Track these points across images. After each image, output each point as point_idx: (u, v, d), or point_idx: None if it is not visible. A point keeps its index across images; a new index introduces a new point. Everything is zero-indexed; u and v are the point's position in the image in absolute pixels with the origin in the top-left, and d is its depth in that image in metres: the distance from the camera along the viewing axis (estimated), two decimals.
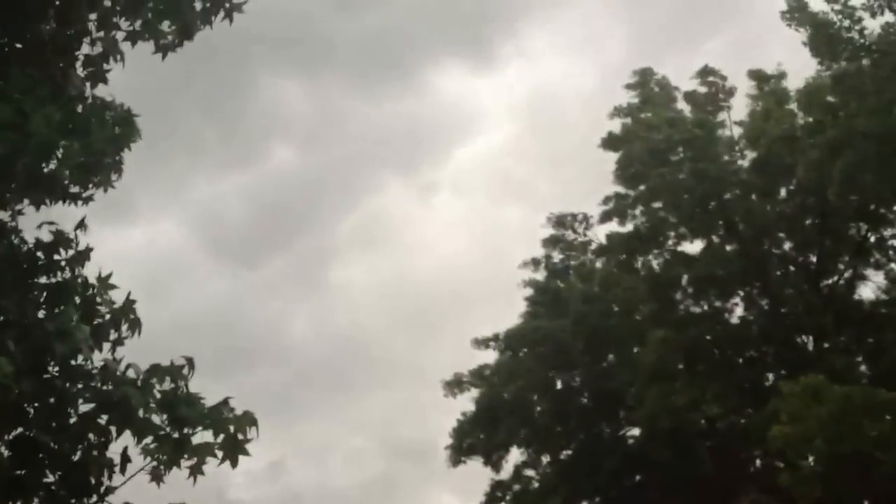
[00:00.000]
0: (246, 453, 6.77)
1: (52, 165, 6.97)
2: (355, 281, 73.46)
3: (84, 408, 7.00)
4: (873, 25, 26.17)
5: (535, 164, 73.98)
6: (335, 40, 78.13)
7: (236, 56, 69.76)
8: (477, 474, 38.36)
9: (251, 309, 71.93)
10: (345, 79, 79.89)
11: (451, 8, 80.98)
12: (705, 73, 36.52)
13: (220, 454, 6.76)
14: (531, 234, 58.81)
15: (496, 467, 38.25)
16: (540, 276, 39.13)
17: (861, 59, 26.03)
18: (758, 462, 33.48)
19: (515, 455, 38.43)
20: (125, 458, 6.94)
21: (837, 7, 25.81)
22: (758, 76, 35.41)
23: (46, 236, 7.96)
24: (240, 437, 6.75)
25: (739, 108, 36.04)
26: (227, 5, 7.93)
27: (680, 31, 73.80)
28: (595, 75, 74.03)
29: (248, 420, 6.77)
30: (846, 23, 25.91)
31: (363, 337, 70.57)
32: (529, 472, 38.59)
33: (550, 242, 38.88)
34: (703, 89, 36.49)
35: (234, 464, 6.75)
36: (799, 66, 34.83)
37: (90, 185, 9.06)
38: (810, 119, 31.04)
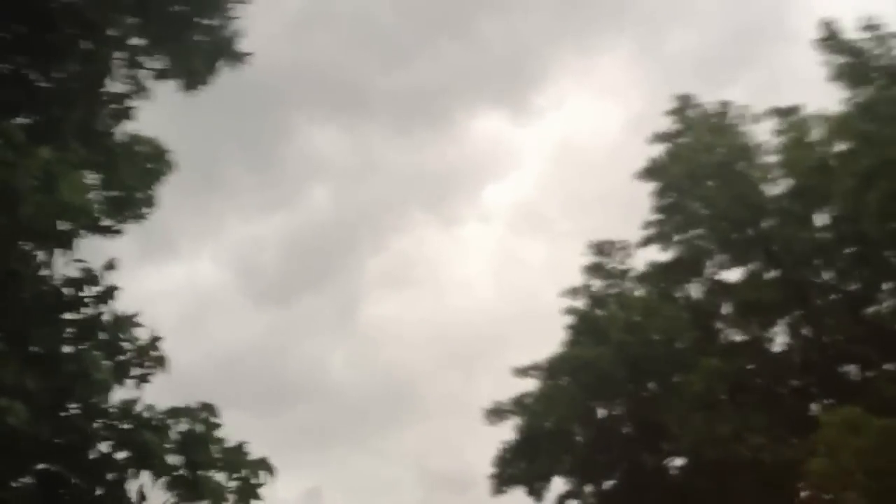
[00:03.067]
0: (258, 497, 6.77)
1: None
2: (390, 318, 74.87)
3: (103, 446, 7.05)
4: None
5: (565, 204, 75.58)
6: (375, 90, 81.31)
7: (277, 103, 72.40)
8: None
9: (288, 346, 73.34)
10: (382, 126, 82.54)
11: (487, 61, 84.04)
12: (724, 106, 36.40)
13: (232, 497, 6.77)
14: (561, 270, 61.04)
15: (538, 497, 37.89)
16: (580, 303, 38.89)
17: (895, 87, 25.82)
18: (802, 494, 32.97)
19: (558, 484, 38.13)
20: (141, 497, 6.97)
21: (870, 35, 25.63)
22: (780, 112, 35.20)
23: (75, 273, 8.05)
24: (253, 481, 6.75)
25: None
26: (232, 54, 8.03)
27: (702, 78, 74.86)
28: (622, 120, 75.94)
29: (263, 465, 6.77)
30: (879, 50, 25.72)
31: (398, 372, 71.65)
32: (572, 502, 38.24)
33: (591, 270, 38.64)
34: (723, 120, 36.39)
35: None
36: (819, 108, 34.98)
37: (121, 219, 9.18)
38: (843, 147, 30.75)
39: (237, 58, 8.08)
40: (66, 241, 7.44)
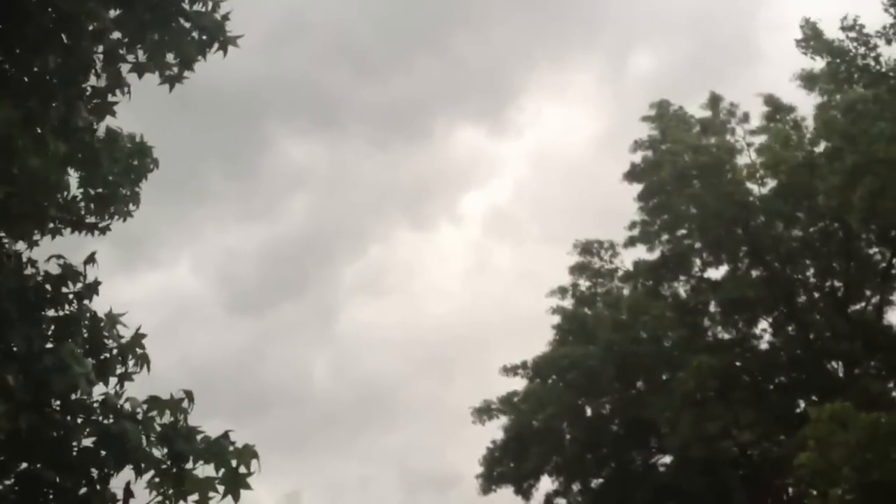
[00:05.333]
0: (248, 487, 6.64)
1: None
2: (368, 324, 77.44)
3: (85, 442, 6.94)
4: (889, 52, 26.03)
5: (540, 212, 78.39)
6: (353, 103, 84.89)
7: (256, 115, 73.99)
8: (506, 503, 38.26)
9: (267, 354, 74.26)
10: (360, 138, 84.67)
11: (463, 76, 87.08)
12: (715, 100, 36.58)
13: (221, 489, 6.65)
14: (534, 275, 66.05)
15: (526, 496, 38.01)
16: (567, 303, 38.98)
17: (878, 86, 25.83)
18: (790, 490, 33.09)
19: (546, 483, 38.23)
20: (128, 493, 6.86)
21: (852, 35, 25.63)
22: (771, 102, 35.37)
23: (55, 269, 7.95)
24: (241, 470, 6.64)
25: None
26: (222, 39, 7.91)
27: (671, 94, 77.11)
28: (595, 133, 79.47)
29: (249, 453, 6.66)
30: (861, 50, 25.74)
31: (376, 377, 72.85)
32: (560, 501, 38.33)
33: (577, 270, 38.72)
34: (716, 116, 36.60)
35: (236, 498, 6.63)
36: None
37: (106, 216, 9.08)
38: (829, 145, 30.91)
39: (226, 42, 7.94)
40: (38, 220, 7.28)
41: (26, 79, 7.73)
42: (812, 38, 27.00)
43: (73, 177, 8.62)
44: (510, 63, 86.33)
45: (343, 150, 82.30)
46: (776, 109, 35.23)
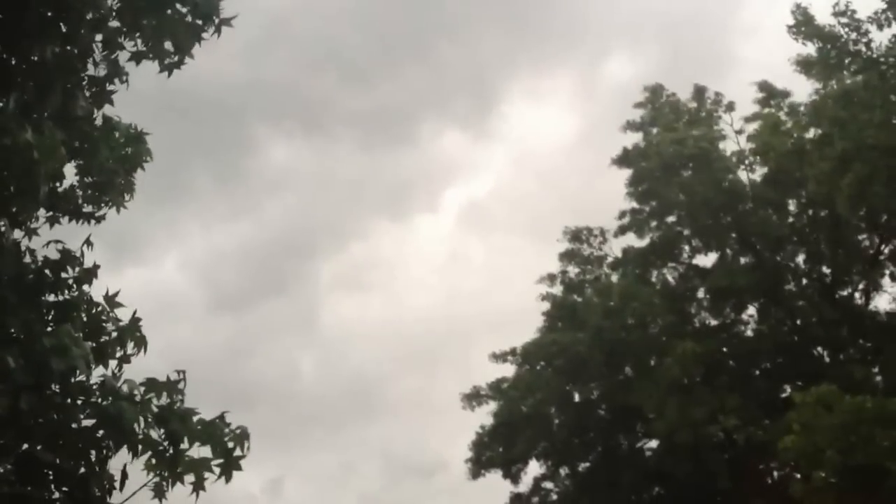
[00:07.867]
0: (238, 468, 6.81)
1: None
2: (351, 319, 78.35)
3: (85, 423, 7.04)
4: (880, 38, 26.08)
5: (519, 210, 78.71)
6: (338, 108, 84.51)
7: (242, 118, 75.93)
8: (492, 489, 38.53)
9: (252, 351, 74.90)
10: (344, 141, 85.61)
11: (446, 81, 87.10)
12: (699, 93, 36.79)
13: (216, 470, 6.80)
14: (512, 271, 67.20)
15: (515, 480, 38.28)
16: (556, 290, 39.11)
17: (868, 72, 25.89)
18: (775, 474, 33.37)
19: (534, 468, 38.48)
20: (124, 475, 6.98)
21: (844, 20, 25.66)
22: (765, 88, 35.51)
23: (54, 254, 8.05)
24: (236, 452, 6.79)
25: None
26: (217, 21, 7.98)
27: None
28: (574, 135, 79.14)
29: (243, 435, 6.82)
30: (853, 35, 25.78)
31: (360, 371, 73.75)
32: (548, 485, 38.59)
33: (566, 257, 38.85)
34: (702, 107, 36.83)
35: (229, 479, 6.80)
36: None
37: (102, 205, 9.17)
38: (818, 132, 31.00)
39: (220, 24, 8.02)
40: (31, 199, 7.36)
41: (25, 67, 7.78)
42: (804, 24, 26.99)
43: (70, 164, 8.72)
44: (492, 69, 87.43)
45: (327, 153, 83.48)
46: (769, 95, 35.39)
